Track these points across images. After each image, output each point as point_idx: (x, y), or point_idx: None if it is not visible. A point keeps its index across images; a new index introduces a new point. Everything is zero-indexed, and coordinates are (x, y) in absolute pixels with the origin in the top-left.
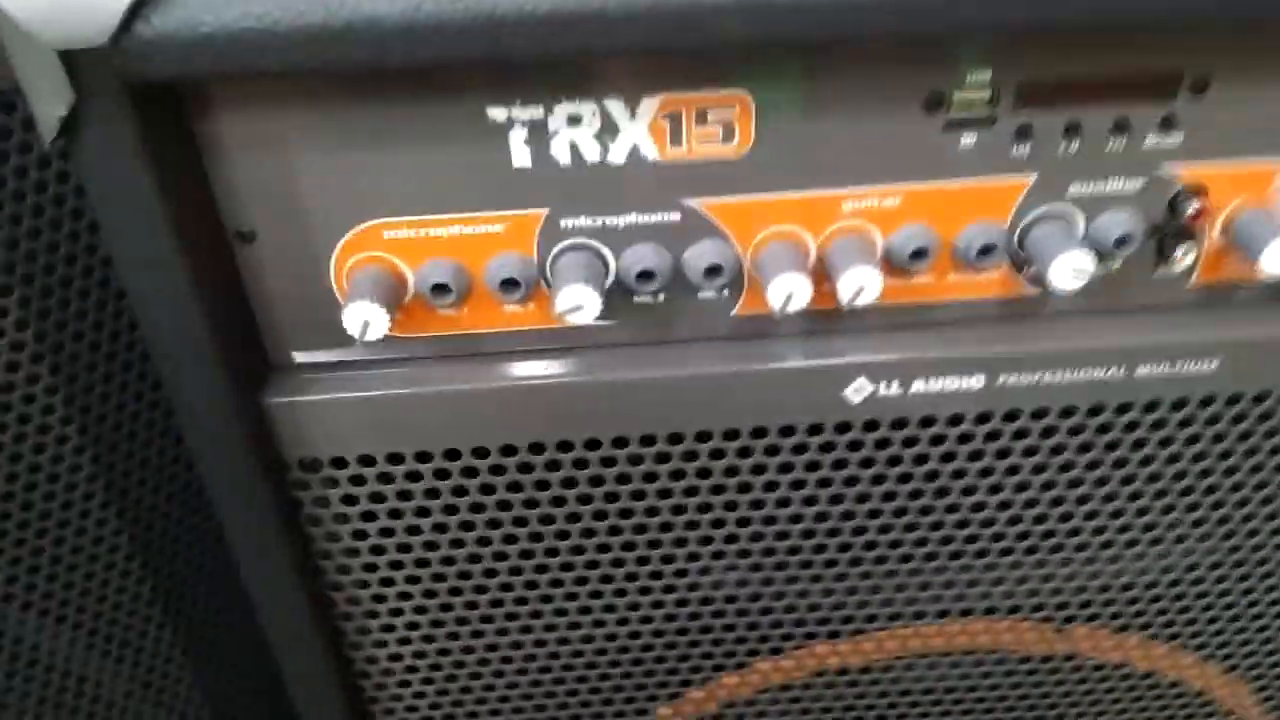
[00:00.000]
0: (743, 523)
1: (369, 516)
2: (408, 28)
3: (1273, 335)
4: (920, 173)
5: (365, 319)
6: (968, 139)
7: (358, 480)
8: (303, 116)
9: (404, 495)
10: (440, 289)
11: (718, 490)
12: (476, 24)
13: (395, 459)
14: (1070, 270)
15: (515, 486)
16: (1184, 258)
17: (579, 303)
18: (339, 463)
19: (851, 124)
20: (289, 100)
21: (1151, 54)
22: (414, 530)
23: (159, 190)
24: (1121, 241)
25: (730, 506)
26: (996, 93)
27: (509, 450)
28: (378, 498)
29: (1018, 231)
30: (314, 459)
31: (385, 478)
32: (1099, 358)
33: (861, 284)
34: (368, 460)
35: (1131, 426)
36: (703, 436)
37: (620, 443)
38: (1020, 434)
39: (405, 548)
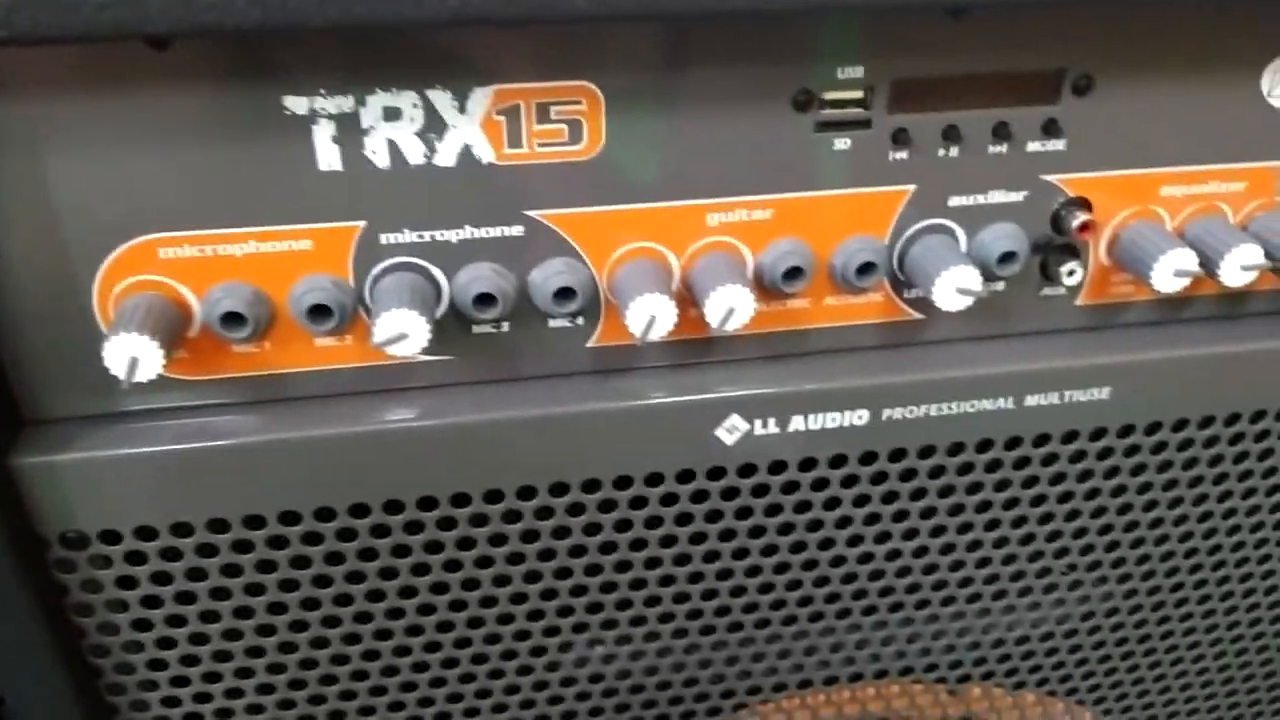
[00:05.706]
0: (608, 588)
1: (152, 602)
2: None
3: (1164, 358)
4: (792, 181)
5: (132, 355)
6: (841, 142)
7: (136, 558)
8: (47, 103)
9: (195, 574)
10: (233, 319)
11: (578, 551)
12: None
13: (182, 530)
14: (955, 289)
15: (335, 557)
16: (1070, 277)
17: (403, 330)
18: (111, 537)
19: (716, 122)
20: (28, 82)
21: (1032, 52)
22: (210, 617)
23: None
24: (1006, 258)
25: (593, 570)
26: (870, 92)
27: (326, 514)
28: (162, 578)
29: (897, 248)
30: (79, 533)
31: (170, 554)
32: (986, 387)
33: (731, 304)
34: (148, 533)
35: (1022, 463)
36: (558, 489)
37: (461, 500)
38: (907, 474)
39: (200, 638)
